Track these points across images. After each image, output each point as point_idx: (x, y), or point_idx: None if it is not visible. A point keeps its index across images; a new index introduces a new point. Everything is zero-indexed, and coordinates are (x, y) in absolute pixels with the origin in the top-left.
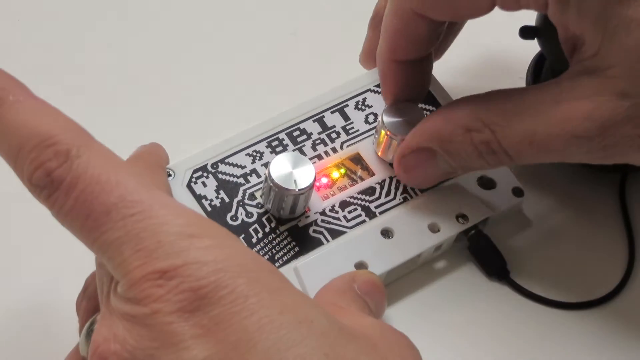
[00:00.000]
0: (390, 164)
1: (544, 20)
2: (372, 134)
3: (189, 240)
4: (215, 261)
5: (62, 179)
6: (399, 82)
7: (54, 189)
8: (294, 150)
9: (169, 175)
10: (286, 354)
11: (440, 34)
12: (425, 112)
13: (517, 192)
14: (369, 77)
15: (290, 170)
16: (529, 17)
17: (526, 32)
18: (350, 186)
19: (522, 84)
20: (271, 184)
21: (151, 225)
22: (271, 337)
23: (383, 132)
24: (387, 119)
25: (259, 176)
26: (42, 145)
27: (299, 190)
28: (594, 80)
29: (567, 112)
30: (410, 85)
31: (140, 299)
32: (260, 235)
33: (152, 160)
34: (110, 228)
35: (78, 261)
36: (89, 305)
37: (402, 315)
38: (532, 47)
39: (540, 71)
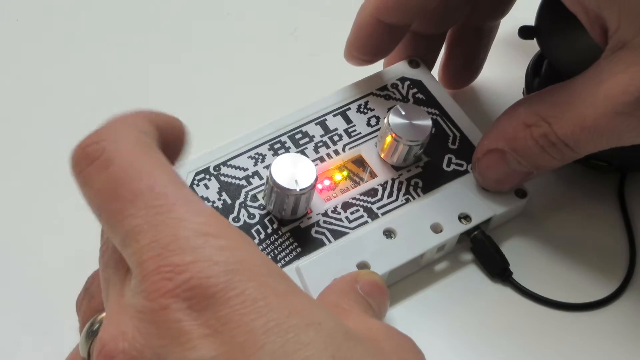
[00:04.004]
0: (394, 166)
1: (543, 20)
2: (375, 137)
3: (204, 238)
4: (226, 262)
5: (96, 156)
6: (372, 39)
7: (87, 164)
8: (295, 153)
9: None
10: (293, 357)
11: (429, 6)
12: (429, 115)
13: (520, 193)
14: (371, 81)
15: (292, 170)
16: (529, 17)
17: (525, 32)
18: (353, 188)
19: (521, 84)
20: (273, 185)
21: (170, 219)
22: (278, 340)
23: (389, 134)
24: (393, 122)
25: (261, 178)
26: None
27: (300, 190)
28: (625, 53)
29: (607, 90)
30: (380, 47)
31: (150, 291)
32: (262, 236)
33: None
34: (132, 215)
35: (78, 261)
36: (91, 305)
37: (404, 316)
38: (532, 47)
39: (539, 71)
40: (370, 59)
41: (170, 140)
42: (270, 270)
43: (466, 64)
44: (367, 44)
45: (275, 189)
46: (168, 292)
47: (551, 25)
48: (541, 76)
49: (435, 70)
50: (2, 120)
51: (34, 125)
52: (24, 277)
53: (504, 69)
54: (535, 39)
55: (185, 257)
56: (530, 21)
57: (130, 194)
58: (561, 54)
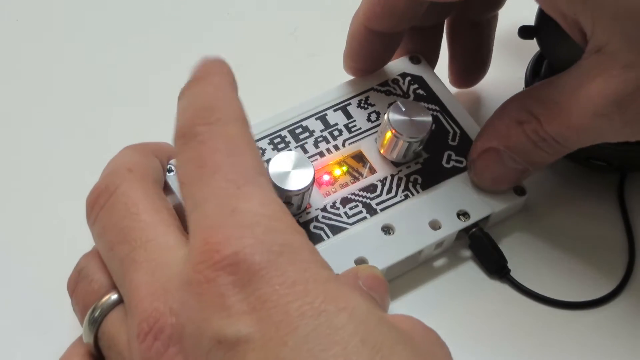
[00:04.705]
0: (394, 162)
1: (542, 19)
2: (375, 132)
3: (258, 218)
4: (272, 243)
5: (199, 132)
6: (364, 48)
7: (190, 138)
8: (295, 148)
9: (172, 170)
10: (324, 340)
11: (417, 14)
12: (430, 111)
13: (519, 191)
14: (372, 76)
15: (289, 169)
16: (529, 17)
17: (525, 32)
18: (352, 183)
19: (521, 84)
20: None
21: (234, 195)
22: (312, 322)
23: (389, 130)
24: (393, 118)
25: None
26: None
27: (292, 191)
28: (600, 58)
29: (587, 92)
30: (373, 56)
31: (198, 262)
32: None
33: None
34: (208, 185)
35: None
36: (91, 287)
37: (402, 312)
38: (532, 47)
39: (539, 71)
40: (367, 69)
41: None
42: (314, 258)
43: (470, 60)
44: (361, 54)
45: None
46: (214, 264)
47: (551, 25)
48: (541, 76)
49: (437, 70)
50: (2, 120)
51: (34, 125)
52: (24, 277)
53: (504, 69)
54: (535, 39)
55: (236, 232)
56: (530, 21)
57: (214, 166)
58: (561, 53)
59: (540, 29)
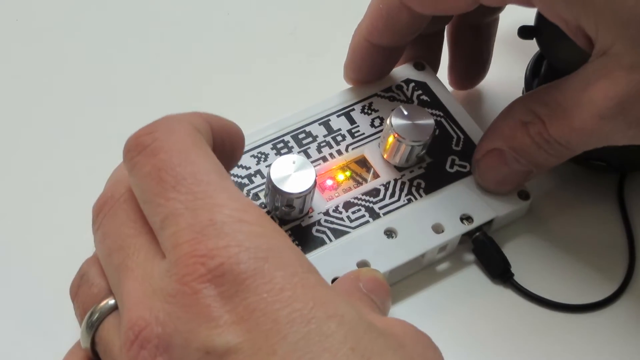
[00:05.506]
0: (397, 167)
1: (542, 20)
2: (378, 137)
3: (239, 224)
4: (258, 249)
5: (148, 144)
6: (366, 61)
7: (139, 152)
8: (298, 153)
9: None
10: (313, 347)
11: (419, 29)
12: (432, 116)
13: (523, 195)
14: (376, 82)
15: (290, 173)
16: (529, 17)
17: (525, 32)
18: (355, 188)
19: (521, 83)
20: (269, 184)
21: (208, 205)
22: (301, 330)
23: (391, 135)
24: (395, 122)
25: (263, 177)
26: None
27: (294, 194)
28: (605, 60)
29: (591, 94)
30: (374, 68)
31: (182, 274)
32: None
33: None
34: (173, 198)
35: (78, 261)
36: (90, 291)
37: (404, 315)
38: (532, 47)
39: (539, 71)
40: (367, 80)
41: (226, 143)
42: (300, 261)
43: (471, 63)
44: (362, 66)
45: (270, 188)
46: (200, 277)
47: (550, 25)
48: (541, 76)
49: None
50: (2, 120)
51: (34, 125)
52: (24, 277)
53: (504, 69)
54: (535, 39)
55: (219, 242)
56: (530, 21)
57: (173, 179)
58: (560, 53)
59: (540, 29)
